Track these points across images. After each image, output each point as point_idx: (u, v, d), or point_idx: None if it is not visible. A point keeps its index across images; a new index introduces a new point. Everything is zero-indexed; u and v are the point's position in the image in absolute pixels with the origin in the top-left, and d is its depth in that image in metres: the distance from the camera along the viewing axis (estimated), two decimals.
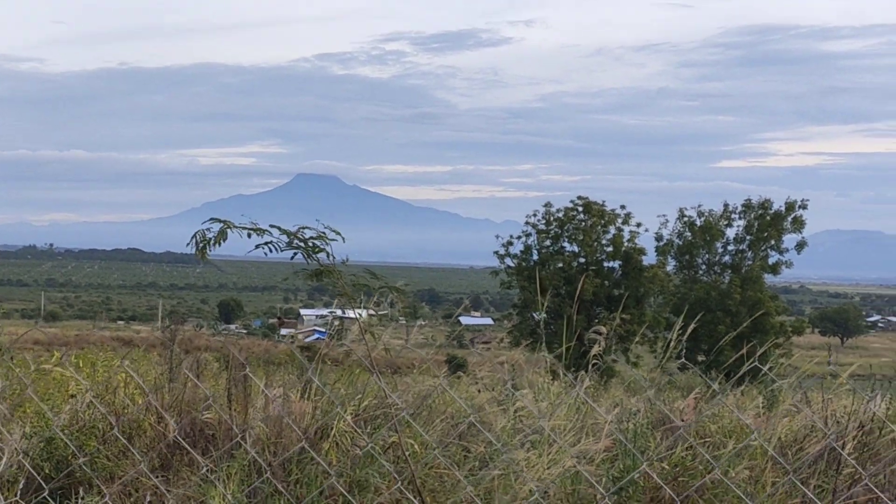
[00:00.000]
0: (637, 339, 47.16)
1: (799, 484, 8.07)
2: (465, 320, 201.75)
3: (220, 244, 7.83)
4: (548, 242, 66.17)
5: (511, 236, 67.18)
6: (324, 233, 7.93)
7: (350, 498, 8.11)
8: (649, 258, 67.31)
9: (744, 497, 8.00)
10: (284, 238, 7.87)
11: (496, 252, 66.89)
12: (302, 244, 7.90)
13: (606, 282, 64.14)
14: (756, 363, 10.54)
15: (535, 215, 66.91)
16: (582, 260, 65.23)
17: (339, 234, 8.06)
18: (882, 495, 8.35)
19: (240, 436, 8.85)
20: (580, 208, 66.33)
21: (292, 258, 7.92)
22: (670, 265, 71.60)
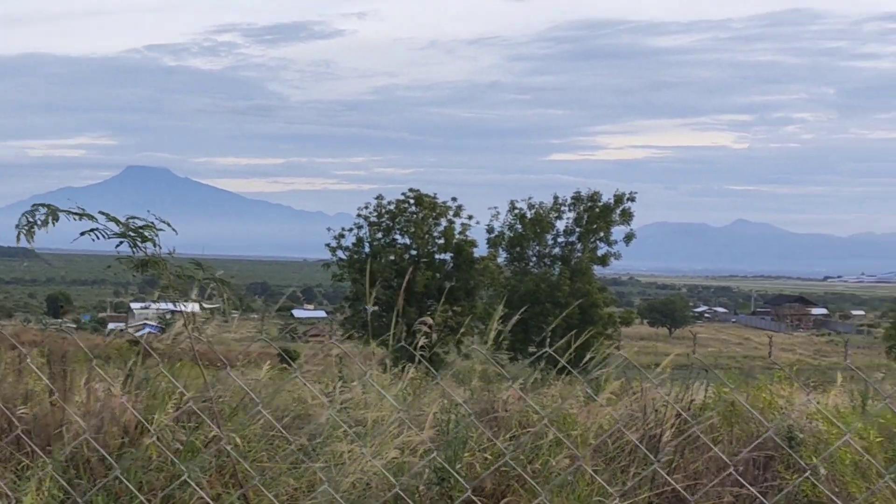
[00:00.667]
0: (463, 329, 47.31)
1: (590, 471, 8.19)
2: (298, 313, 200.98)
3: (50, 224, 7.67)
4: (379, 235, 66.06)
5: (343, 229, 66.98)
6: (152, 223, 7.83)
7: (139, 497, 8.03)
8: (481, 250, 67.66)
9: (538, 488, 8.10)
10: (113, 227, 7.75)
11: (328, 245, 66.59)
12: (132, 233, 7.79)
13: (438, 274, 64.28)
14: (581, 353, 10.68)
15: (366, 208, 66.83)
16: (413, 252, 65.28)
17: (168, 224, 7.98)
18: (690, 485, 8.51)
19: (56, 431, 8.69)
20: (412, 201, 66.39)
21: (117, 247, 7.81)
22: (501, 257, 72.03)
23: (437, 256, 65.94)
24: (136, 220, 7.79)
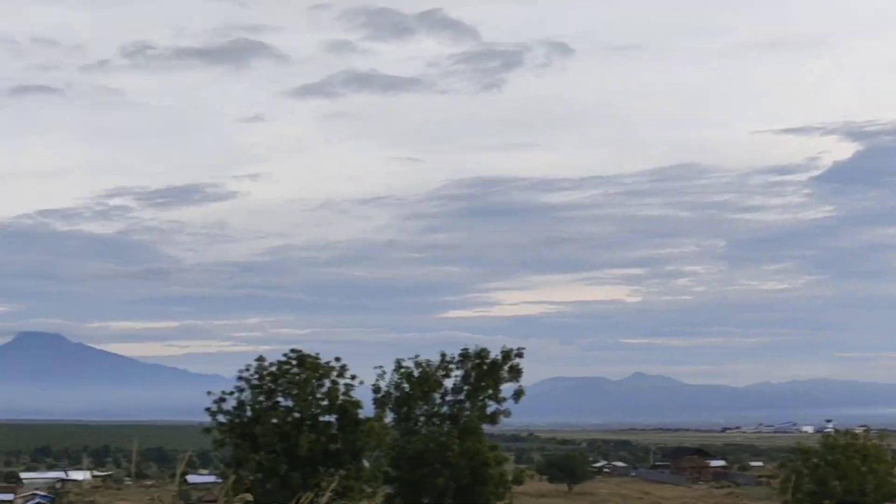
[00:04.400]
0: (354, 493, 46.97)
1: None
2: (192, 479, 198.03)
3: None
4: (262, 398, 64.74)
5: (223, 392, 65.51)
6: None
7: None
8: (367, 411, 66.88)
9: None
10: None
11: (208, 408, 65.00)
12: None
13: (322, 437, 63.28)
14: None
15: (247, 370, 65.52)
16: (297, 415, 64.16)
17: None
18: None
19: None
20: (294, 362, 65.46)
21: None
22: (388, 417, 71.30)
23: (321, 418, 64.95)
24: None
